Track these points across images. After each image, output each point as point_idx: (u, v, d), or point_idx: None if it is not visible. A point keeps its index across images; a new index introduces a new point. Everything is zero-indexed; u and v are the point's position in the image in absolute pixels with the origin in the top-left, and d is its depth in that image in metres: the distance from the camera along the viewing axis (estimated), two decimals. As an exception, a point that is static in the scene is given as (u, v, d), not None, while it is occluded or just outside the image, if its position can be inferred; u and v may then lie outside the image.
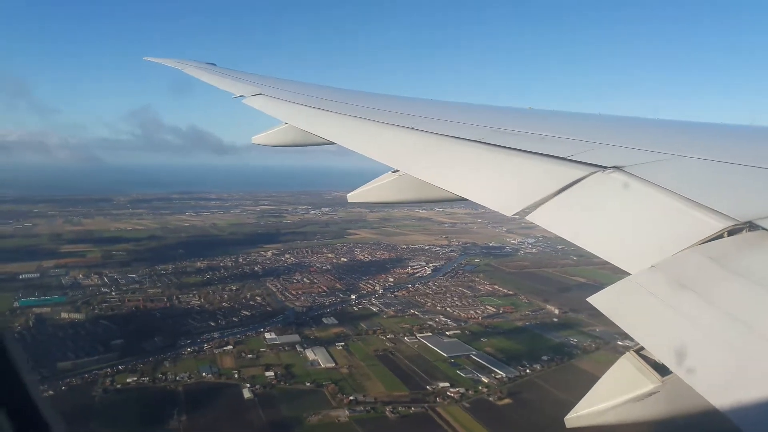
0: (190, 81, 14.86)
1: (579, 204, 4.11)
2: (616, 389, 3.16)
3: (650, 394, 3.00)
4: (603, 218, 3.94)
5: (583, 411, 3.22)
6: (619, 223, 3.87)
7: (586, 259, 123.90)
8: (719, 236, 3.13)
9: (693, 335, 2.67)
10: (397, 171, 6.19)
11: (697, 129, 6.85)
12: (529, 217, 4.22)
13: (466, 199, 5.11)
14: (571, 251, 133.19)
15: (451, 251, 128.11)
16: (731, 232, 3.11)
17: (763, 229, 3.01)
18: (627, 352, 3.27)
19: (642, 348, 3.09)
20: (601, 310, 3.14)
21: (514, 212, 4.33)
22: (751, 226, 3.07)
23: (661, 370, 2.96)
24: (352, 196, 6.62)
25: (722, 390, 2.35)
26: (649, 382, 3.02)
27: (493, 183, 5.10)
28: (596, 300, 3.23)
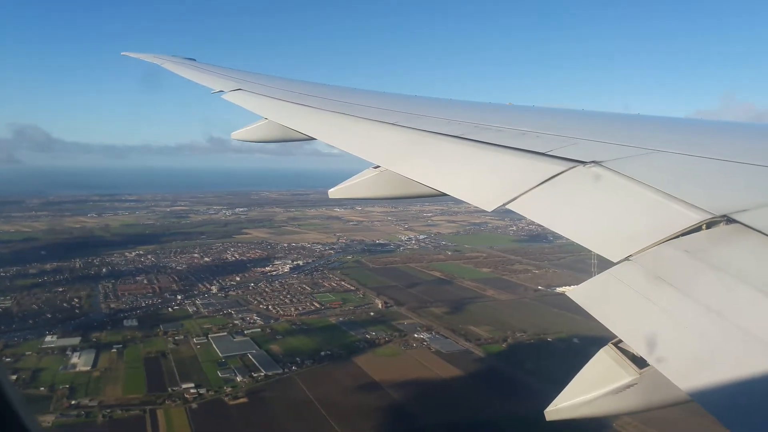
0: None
1: (559, 196, 4.12)
2: (595, 382, 3.11)
3: (628, 386, 2.97)
4: (582, 210, 3.89)
5: (562, 404, 3.17)
6: (598, 215, 3.81)
7: (458, 254, 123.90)
8: (696, 230, 3.13)
9: (669, 327, 2.72)
10: (378, 167, 6.05)
11: (675, 124, 6.89)
12: (509, 206, 4.22)
13: (447, 195, 5.10)
14: (451, 247, 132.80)
15: (331, 249, 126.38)
16: (708, 225, 3.12)
17: (739, 222, 3.03)
18: (606, 345, 3.20)
19: (620, 341, 3.05)
20: (579, 303, 3.12)
21: (494, 207, 4.35)
22: (728, 219, 3.09)
23: (639, 362, 2.93)
24: (333, 192, 6.39)
25: (696, 379, 2.39)
26: (626, 374, 2.97)
27: (474, 179, 5.08)
28: (574, 293, 3.21)
